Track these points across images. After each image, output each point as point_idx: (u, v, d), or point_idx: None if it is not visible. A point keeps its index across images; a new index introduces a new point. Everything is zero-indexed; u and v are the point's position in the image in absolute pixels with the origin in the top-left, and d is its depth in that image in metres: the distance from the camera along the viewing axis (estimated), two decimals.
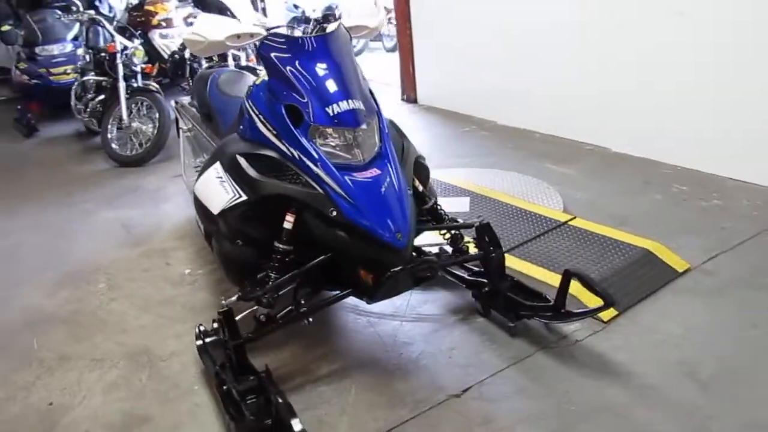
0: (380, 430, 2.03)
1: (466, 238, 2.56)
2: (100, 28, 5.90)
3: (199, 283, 3.10)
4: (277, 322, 2.16)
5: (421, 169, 2.46)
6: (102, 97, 5.39)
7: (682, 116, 3.85)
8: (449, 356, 2.37)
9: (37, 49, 6.85)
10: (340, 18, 2.37)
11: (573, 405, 2.05)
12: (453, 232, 2.51)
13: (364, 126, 2.10)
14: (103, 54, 5.28)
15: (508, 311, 2.45)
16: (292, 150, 2.08)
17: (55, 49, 6.87)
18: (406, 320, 2.62)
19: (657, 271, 2.73)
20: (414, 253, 2.30)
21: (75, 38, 6.99)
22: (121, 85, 5.07)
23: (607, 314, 2.46)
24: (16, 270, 3.46)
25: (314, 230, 2.07)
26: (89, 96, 5.59)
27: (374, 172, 2.06)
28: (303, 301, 2.20)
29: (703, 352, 2.24)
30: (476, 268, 2.62)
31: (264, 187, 2.10)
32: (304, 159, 2.05)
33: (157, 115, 5.06)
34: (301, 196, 2.05)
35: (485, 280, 2.54)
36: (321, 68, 2.11)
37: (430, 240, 2.63)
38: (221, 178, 2.22)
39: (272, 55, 2.15)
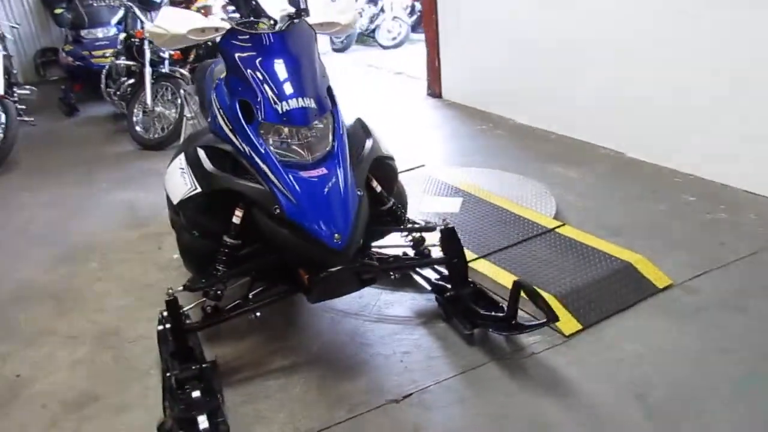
0: (312, 429, 2.03)
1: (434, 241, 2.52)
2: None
3: (184, 269, 3.17)
4: (223, 315, 2.19)
5: (384, 169, 2.43)
6: (131, 81, 5.56)
7: (703, 125, 3.65)
8: (401, 360, 2.34)
9: (83, 32, 7.14)
10: (305, 13, 2.34)
11: (507, 420, 2.00)
12: (414, 234, 2.48)
13: (314, 124, 2.09)
14: (133, 39, 5.45)
15: (465, 318, 2.40)
16: (244, 146, 2.10)
17: (99, 32, 7.14)
18: (369, 320, 2.61)
19: (635, 285, 2.62)
20: (369, 256, 2.29)
21: (119, 23, 7.25)
22: (147, 70, 5.23)
23: (570, 328, 2.39)
24: (22, 244, 3.64)
25: (261, 227, 2.08)
26: (121, 80, 5.79)
27: (321, 171, 2.06)
28: (251, 296, 2.22)
29: (660, 375, 2.14)
30: (444, 272, 2.58)
31: (216, 180, 2.12)
32: (254, 155, 2.07)
33: (179, 101, 5.19)
34: (249, 192, 2.07)
35: (449, 285, 2.50)
36: (275, 65, 2.11)
37: (399, 242, 2.60)
38: (183, 169, 2.26)
39: (230, 50, 2.17)
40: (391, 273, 2.51)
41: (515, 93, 5.11)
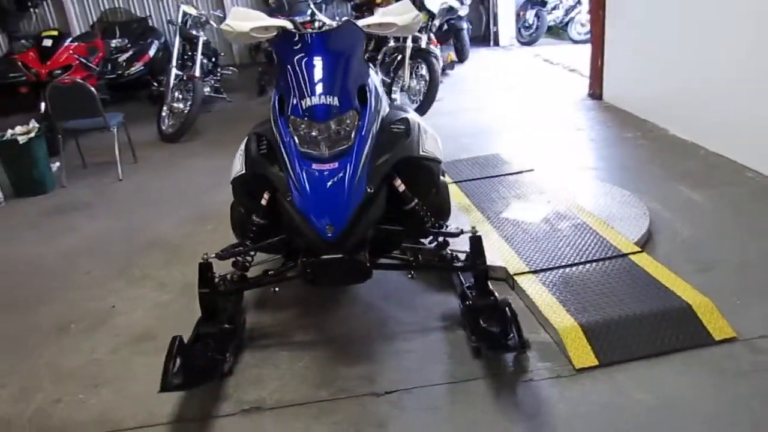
0: (292, 401, 2.22)
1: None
2: None
3: None
4: (245, 284, 2.46)
5: (421, 170, 2.47)
6: None
7: None
8: (403, 357, 2.40)
9: None
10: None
11: None
12: (439, 238, 2.49)
13: (335, 121, 2.22)
14: None
15: (470, 330, 2.36)
16: (278, 135, 2.32)
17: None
18: (400, 314, 2.69)
19: (685, 331, 2.31)
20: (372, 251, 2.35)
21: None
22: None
23: (582, 362, 2.22)
24: (174, 204, 4.31)
25: (281, 211, 2.30)
26: None
27: (332, 165, 2.19)
28: (270, 272, 2.46)
29: None
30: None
31: (253, 164, 2.39)
32: (282, 145, 2.28)
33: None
34: (274, 179, 2.29)
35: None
36: (309, 64, 2.28)
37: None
38: (240, 151, 2.57)
39: (277, 48, 2.39)
40: (410, 272, 2.55)
41: (674, 102, 4.58)
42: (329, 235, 2.11)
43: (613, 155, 4.37)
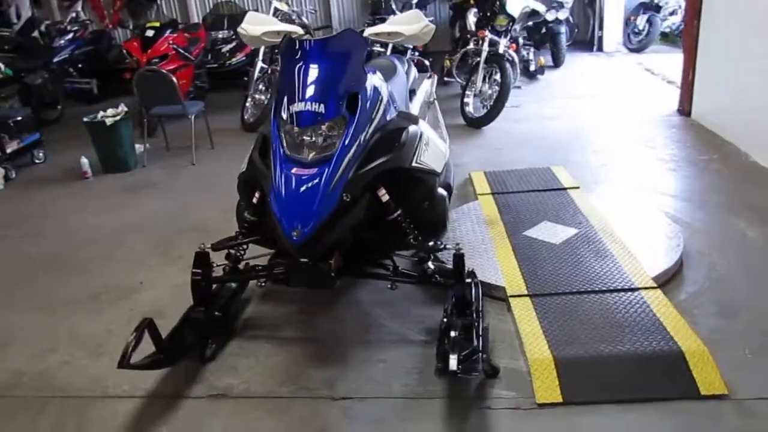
0: (257, 394, 2.31)
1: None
2: None
3: None
4: (236, 275, 2.58)
5: (413, 181, 2.46)
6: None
7: None
8: (373, 366, 2.41)
9: None
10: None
11: None
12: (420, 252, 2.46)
13: (319, 127, 2.26)
14: None
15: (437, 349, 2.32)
16: (271, 137, 2.41)
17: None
18: (394, 323, 2.68)
19: (672, 380, 2.12)
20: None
21: None
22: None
23: (545, 396, 2.12)
24: (225, 193, 4.54)
25: (267, 209, 2.39)
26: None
27: (310, 171, 2.24)
28: (258, 266, 2.56)
29: None
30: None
31: (250, 164, 2.50)
32: (273, 146, 2.37)
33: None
34: (261, 179, 2.39)
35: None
36: (302, 69, 2.34)
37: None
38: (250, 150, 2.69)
39: (281, 52, 2.47)
40: (391, 284, 2.53)
41: (762, 125, 4.13)
42: (295, 239, 2.16)
43: (678, 178, 4.04)
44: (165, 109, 5.23)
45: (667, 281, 2.76)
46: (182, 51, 6.32)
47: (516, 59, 6.00)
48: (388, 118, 2.56)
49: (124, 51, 6.19)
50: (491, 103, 5.47)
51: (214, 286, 2.68)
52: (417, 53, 6.73)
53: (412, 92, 3.80)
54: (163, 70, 5.22)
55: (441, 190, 2.72)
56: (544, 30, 7.85)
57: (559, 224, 3.27)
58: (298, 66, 2.36)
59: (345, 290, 2.91)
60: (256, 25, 2.59)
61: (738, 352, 2.25)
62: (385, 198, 2.40)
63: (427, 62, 6.09)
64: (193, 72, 6.61)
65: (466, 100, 5.70)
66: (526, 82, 7.17)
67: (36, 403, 2.36)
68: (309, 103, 2.27)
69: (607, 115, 5.63)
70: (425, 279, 2.45)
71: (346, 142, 2.28)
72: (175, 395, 2.33)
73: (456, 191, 4.05)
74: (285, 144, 2.31)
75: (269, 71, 6.21)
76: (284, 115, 2.31)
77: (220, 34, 8.07)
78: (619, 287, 2.63)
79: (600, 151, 4.65)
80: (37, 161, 5.59)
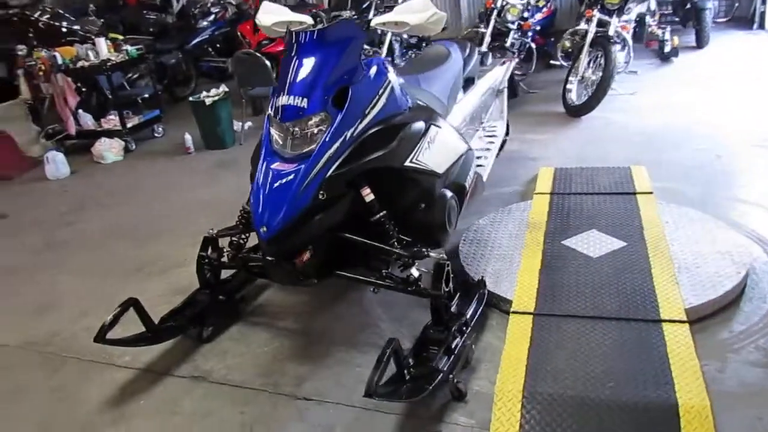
0: (232, 381, 2.37)
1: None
2: None
3: None
4: (235, 263, 2.64)
5: (400, 183, 2.33)
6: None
7: None
8: (348, 369, 2.35)
9: None
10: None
11: None
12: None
13: (301, 122, 2.20)
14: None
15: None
16: (263, 131, 2.41)
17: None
18: (381, 325, 2.60)
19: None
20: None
21: None
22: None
23: (500, 430, 1.91)
24: None
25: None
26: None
27: (289, 166, 2.20)
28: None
29: None
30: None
31: (253, 155, 2.53)
32: (263, 140, 2.37)
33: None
34: (253, 171, 2.40)
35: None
36: (294, 62, 2.28)
37: None
38: None
39: (287, 44, 2.43)
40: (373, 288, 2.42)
41: None
42: (263, 234, 2.15)
43: None
44: (261, 91, 5.45)
45: (711, 314, 2.35)
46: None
47: (629, 41, 5.38)
48: (394, 111, 2.44)
49: (239, 33, 6.54)
50: (591, 91, 4.98)
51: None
52: (530, 37, 6.28)
53: (470, 80, 3.60)
54: (257, 54, 5.43)
55: (445, 192, 2.55)
56: (688, 5, 6.95)
57: (608, 234, 2.91)
58: (291, 59, 2.32)
59: (354, 286, 2.85)
60: (269, 14, 2.58)
61: (754, 414, 1.85)
62: (369, 198, 2.29)
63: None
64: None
65: (568, 86, 5.24)
66: (656, 66, 6.42)
67: (56, 361, 2.64)
68: (293, 97, 2.22)
69: (737, 109, 4.85)
70: (406, 286, 2.31)
71: (328, 138, 2.20)
72: (163, 371, 2.47)
73: (520, 188, 3.79)
74: (272, 138, 2.29)
75: (371, 53, 6.21)
76: (271, 110, 2.29)
77: (344, 14, 8.22)
78: (639, 317, 2.29)
79: (704, 150, 4.04)
80: (156, 135, 6.15)
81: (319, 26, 2.36)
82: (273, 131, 2.29)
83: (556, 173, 3.77)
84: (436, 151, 2.47)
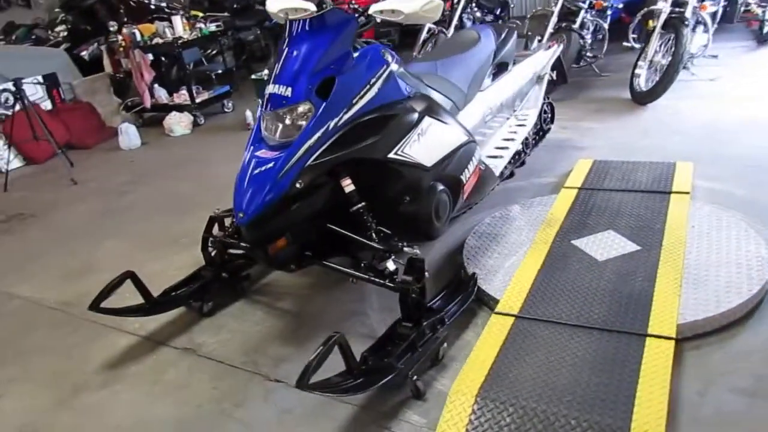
0: (216, 357, 2.48)
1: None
2: None
3: None
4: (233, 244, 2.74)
5: (384, 175, 2.31)
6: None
7: None
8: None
9: None
10: None
11: None
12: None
13: (285, 110, 2.23)
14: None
15: None
16: (256, 117, 2.46)
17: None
18: (371, 314, 2.61)
19: None
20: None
21: None
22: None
23: None
24: None
25: None
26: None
27: (271, 154, 2.24)
28: None
29: None
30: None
31: None
32: (255, 126, 2.42)
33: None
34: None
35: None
36: (284, 50, 2.31)
37: None
38: None
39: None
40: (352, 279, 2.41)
41: None
42: (240, 219, 2.21)
43: None
44: None
45: (712, 332, 2.16)
46: (362, 10, 6.52)
47: (708, 23, 4.91)
48: (389, 100, 2.41)
49: None
50: (658, 77, 4.63)
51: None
52: (608, 16, 5.89)
53: (503, 66, 3.46)
54: None
55: (436, 185, 2.49)
56: None
57: (624, 236, 2.73)
58: (282, 47, 2.34)
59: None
60: (275, 1, 2.61)
61: None
62: (349, 188, 2.29)
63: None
64: (375, 30, 6.81)
65: (637, 71, 4.89)
66: (749, 49, 5.86)
67: (74, 322, 2.87)
68: (278, 86, 2.25)
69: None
70: (380, 279, 2.30)
71: (310, 127, 2.22)
72: (162, 341, 2.63)
73: (555, 180, 3.62)
74: (261, 125, 2.34)
75: (436, 32, 6.10)
76: (261, 97, 2.33)
77: None
78: (624, 329, 2.15)
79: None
80: (226, 110, 6.42)
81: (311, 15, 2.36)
82: (263, 118, 2.34)
83: (593, 166, 3.56)
84: (426, 144, 2.41)
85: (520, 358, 2.10)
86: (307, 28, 2.30)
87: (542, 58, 3.73)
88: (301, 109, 2.23)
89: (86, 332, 2.78)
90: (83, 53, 7.22)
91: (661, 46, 4.76)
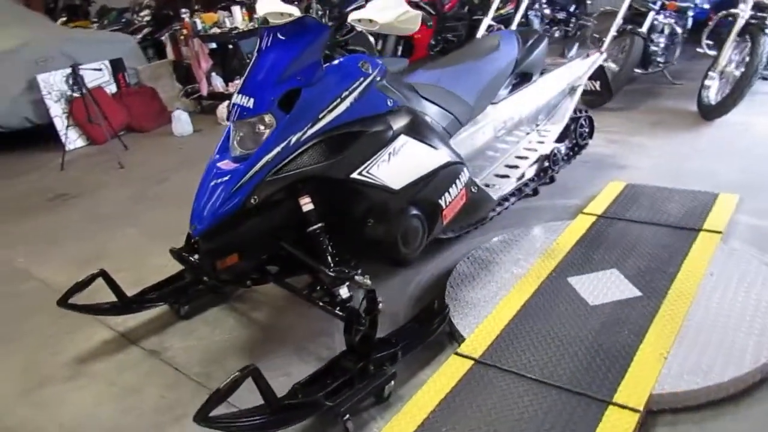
0: (176, 363, 2.46)
1: None
2: None
3: None
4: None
5: (345, 196, 2.17)
6: None
7: None
8: (275, 378, 2.27)
9: None
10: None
11: None
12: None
13: (243, 122, 2.14)
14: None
15: None
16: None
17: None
18: (337, 335, 2.47)
19: None
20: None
21: None
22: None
23: None
24: None
25: None
26: None
27: (230, 165, 2.17)
28: None
29: None
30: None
31: None
32: (224, 136, 2.35)
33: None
34: None
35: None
36: (255, 60, 2.21)
37: None
38: None
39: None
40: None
41: None
42: (193, 231, 2.15)
43: None
44: None
45: (695, 407, 1.86)
46: (424, 5, 6.34)
47: None
48: (364, 114, 2.26)
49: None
50: (728, 89, 4.13)
51: None
52: (689, 18, 5.33)
53: (527, 76, 3.20)
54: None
55: (408, 210, 2.31)
56: None
57: (627, 279, 2.43)
58: (253, 55, 2.25)
59: None
60: (263, 3, 2.51)
61: None
62: (307, 207, 2.17)
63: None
64: (435, 26, 6.59)
65: (707, 81, 4.39)
66: None
67: (62, 311, 2.91)
68: (242, 96, 2.16)
69: None
70: (331, 305, 2.16)
71: (270, 141, 2.12)
72: (134, 340, 2.64)
73: (579, 202, 3.30)
74: (230, 135, 2.27)
75: (495, 29, 5.79)
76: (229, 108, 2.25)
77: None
78: (587, 392, 1.89)
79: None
80: None
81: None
82: (233, 127, 2.26)
83: (624, 190, 3.23)
84: (396, 165, 2.24)
85: (464, 407, 1.91)
86: (275, 37, 2.19)
87: (577, 69, 3.41)
88: (261, 121, 2.13)
89: (70, 322, 2.83)
90: (163, 38, 7.52)
91: (735, 54, 4.24)
